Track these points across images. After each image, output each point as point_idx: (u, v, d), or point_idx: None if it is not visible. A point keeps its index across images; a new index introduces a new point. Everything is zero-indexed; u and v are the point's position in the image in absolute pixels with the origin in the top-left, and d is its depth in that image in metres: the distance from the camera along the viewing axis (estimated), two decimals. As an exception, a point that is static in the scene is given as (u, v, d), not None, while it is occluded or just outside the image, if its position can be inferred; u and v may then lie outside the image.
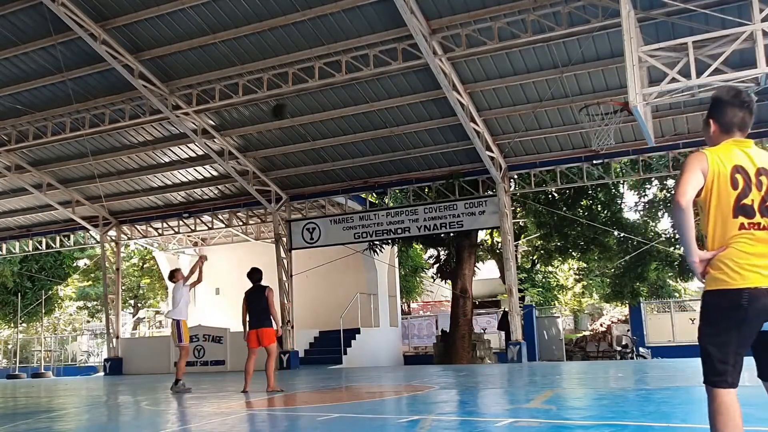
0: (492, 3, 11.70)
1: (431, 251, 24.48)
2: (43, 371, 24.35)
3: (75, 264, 29.88)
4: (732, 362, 2.78)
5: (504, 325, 19.02)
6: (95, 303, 34.38)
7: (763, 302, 2.73)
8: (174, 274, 10.98)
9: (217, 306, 24.27)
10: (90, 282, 33.70)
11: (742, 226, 2.80)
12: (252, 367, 9.59)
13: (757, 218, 2.80)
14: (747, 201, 2.81)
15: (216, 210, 19.78)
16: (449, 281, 19.99)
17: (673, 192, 2.94)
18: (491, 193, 15.91)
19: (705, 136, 3.13)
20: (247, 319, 9.66)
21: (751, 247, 2.78)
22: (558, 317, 25.65)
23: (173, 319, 10.64)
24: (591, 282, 27.93)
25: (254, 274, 9.84)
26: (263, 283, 9.85)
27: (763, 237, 2.79)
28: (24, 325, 31.55)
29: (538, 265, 26.97)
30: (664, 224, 22.30)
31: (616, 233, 20.24)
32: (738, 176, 2.83)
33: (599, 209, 20.76)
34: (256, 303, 9.60)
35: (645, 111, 9.98)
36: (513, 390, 9.00)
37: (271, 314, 9.60)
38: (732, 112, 2.98)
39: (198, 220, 20.68)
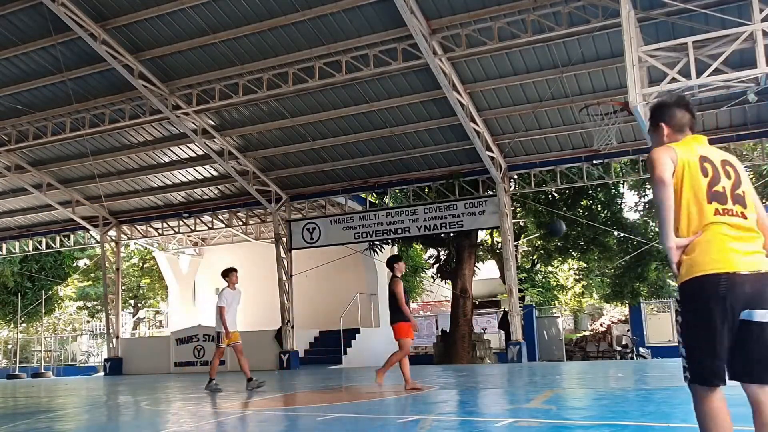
0: (492, 3, 11.70)
1: (431, 251, 24.44)
2: (43, 371, 24.37)
3: (75, 264, 29.87)
4: (723, 356, 2.63)
5: (504, 324, 19.01)
6: (95, 303, 34.36)
7: (741, 289, 2.61)
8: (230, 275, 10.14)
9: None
10: (90, 282, 33.69)
11: (716, 212, 2.76)
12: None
13: (730, 204, 2.78)
14: (718, 188, 2.79)
15: (216, 210, 19.78)
16: (449, 281, 19.98)
17: (652, 174, 2.91)
18: (491, 193, 15.91)
19: (655, 142, 3.09)
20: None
21: (729, 228, 2.73)
22: (558, 317, 25.60)
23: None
24: (591, 282, 27.89)
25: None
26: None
27: (737, 223, 2.75)
28: (24, 325, 31.54)
29: (538, 265, 26.93)
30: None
31: (616, 233, 20.22)
32: (706, 164, 2.84)
33: (599, 209, 20.73)
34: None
35: (645, 111, 9.96)
36: (513, 390, 8.99)
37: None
38: (680, 113, 3.04)
39: (198, 220, 20.68)
